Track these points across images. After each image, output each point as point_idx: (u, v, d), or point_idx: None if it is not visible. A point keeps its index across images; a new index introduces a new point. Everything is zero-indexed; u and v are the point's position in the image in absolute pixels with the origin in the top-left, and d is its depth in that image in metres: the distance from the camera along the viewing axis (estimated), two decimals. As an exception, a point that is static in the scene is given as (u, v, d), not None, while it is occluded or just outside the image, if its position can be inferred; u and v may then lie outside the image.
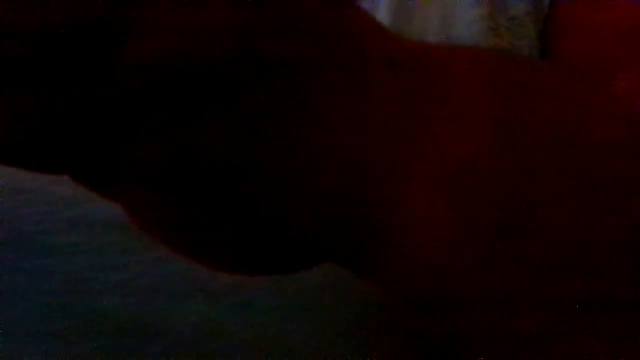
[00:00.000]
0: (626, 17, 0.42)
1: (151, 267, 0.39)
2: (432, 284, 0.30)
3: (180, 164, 0.26)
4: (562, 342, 0.32)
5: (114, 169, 0.26)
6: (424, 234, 0.29)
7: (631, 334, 0.32)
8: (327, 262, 0.31)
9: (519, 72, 0.33)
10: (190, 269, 0.39)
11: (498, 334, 0.32)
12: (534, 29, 0.43)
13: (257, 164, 0.27)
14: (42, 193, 0.41)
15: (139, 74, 0.25)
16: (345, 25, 0.28)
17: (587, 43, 0.42)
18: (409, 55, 0.29)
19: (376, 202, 0.29)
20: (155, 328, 0.38)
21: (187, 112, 0.26)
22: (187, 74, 0.25)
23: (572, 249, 0.31)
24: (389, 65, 0.29)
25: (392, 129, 0.28)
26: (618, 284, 0.32)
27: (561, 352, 0.32)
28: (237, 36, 0.25)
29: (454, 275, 0.30)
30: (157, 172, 0.26)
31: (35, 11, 0.24)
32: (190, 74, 0.25)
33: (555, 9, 0.43)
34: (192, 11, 0.25)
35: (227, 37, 0.25)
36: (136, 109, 0.25)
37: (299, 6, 0.27)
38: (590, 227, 0.31)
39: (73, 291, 0.39)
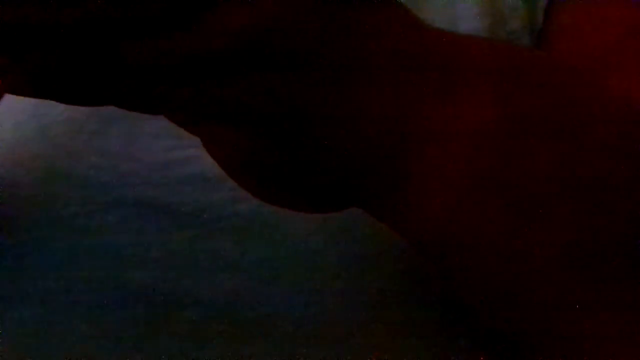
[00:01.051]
0: (622, 19, 0.43)
1: (185, 245, 0.42)
2: (442, 229, 0.34)
3: (253, 105, 0.32)
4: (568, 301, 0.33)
5: (201, 110, 0.32)
6: (440, 185, 0.33)
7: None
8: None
9: (527, 58, 0.35)
10: (221, 246, 0.41)
11: (497, 279, 0.34)
12: (530, 41, 0.45)
13: (314, 111, 0.32)
14: (81, 178, 0.43)
15: (226, 36, 0.30)
16: (387, 17, 0.33)
17: (582, 46, 0.44)
18: (437, 41, 0.34)
19: (403, 155, 0.33)
20: (188, 300, 0.40)
21: (264, 66, 0.31)
22: (263, 40, 0.31)
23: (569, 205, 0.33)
24: (421, 49, 0.34)
25: (420, 98, 0.33)
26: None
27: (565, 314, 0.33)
28: (307, 16, 0.31)
29: (462, 224, 0.34)
30: (235, 112, 0.32)
31: None
32: (267, 40, 0.31)
33: (551, 16, 0.45)
34: None
35: (299, 17, 0.31)
36: (222, 61, 0.31)
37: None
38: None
39: (111, 267, 0.41)
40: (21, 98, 0.46)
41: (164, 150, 0.44)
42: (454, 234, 0.34)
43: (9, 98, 0.43)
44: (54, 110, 0.45)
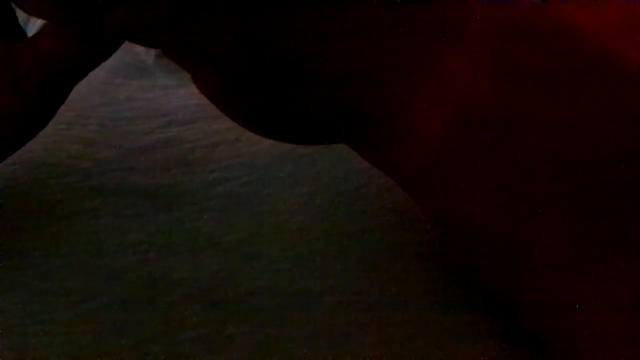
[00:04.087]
0: (621, 16, 0.42)
1: (166, 227, 0.41)
2: (430, 170, 0.34)
3: (238, 48, 0.33)
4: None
5: (185, 52, 0.34)
6: (431, 126, 0.34)
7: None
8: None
9: (531, 17, 0.36)
10: (202, 227, 0.41)
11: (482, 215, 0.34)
12: None
13: (305, 58, 0.34)
14: (61, 166, 0.43)
15: None
16: None
17: None
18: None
19: (396, 94, 0.34)
20: (169, 281, 0.40)
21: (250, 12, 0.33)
22: None
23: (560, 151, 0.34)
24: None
25: (418, 41, 0.34)
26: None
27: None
28: None
29: (451, 166, 0.34)
30: (221, 55, 0.34)
31: None
32: None
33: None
34: None
35: None
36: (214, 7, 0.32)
37: None
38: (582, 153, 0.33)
39: (91, 251, 0.41)
40: None
41: (143, 134, 0.44)
42: (443, 175, 0.34)
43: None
44: None
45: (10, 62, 0.38)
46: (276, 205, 0.42)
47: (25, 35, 0.40)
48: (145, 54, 0.51)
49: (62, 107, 0.45)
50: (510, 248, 0.34)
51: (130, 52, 0.51)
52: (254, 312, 0.38)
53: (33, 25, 0.52)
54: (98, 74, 0.50)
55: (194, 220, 0.41)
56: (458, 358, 0.37)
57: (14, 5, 0.38)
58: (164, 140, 0.44)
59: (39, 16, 0.35)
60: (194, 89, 0.38)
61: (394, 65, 0.34)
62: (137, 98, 0.47)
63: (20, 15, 0.44)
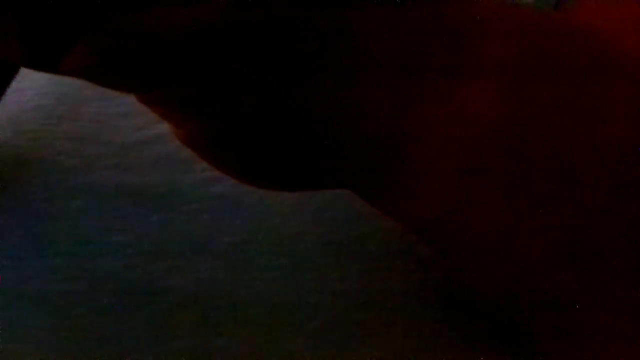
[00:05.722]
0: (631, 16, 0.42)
1: (154, 230, 0.40)
2: (440, 215, 0.33)
3: (228, 94, 0.32)
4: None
5: (169, 95, 0.32)
6: (437, 172, 0.33)
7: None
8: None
9: (549, 43, 0.35)
10: (192, 230, 0.40)
11: (496, 265, 0.33)
12: None
13: (296, 108, 0.32)
14: (48, 164, 0.42)
15: (167, 33, 0.30)
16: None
17: None
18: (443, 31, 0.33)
19: (398, 142, 0.33)
20: (157, 287, 0.39)
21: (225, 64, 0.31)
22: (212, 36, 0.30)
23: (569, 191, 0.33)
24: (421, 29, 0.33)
25: (423, 91, 0.32)
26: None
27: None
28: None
29: (459, 212, 0.33)
30: (207, 101, 0.32)
31: None
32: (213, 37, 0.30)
33: (561, 9, 0.44)
34: None
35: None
36: (171, 57, 0.30)
37: None
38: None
39: (77, 253, 0.40)
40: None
41: (134, 130, 0.44)
42: (451, 222, 0.33)
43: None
44: (23, 98, 0.44)
45: None
46: (271, 207, 0.41)
47: None
48: None
49: (52, 101, 0.44)
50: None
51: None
52: (246, 322, 0.38)
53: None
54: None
55: (185, 222, 0.40)
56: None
57: None
58: (155, 137, 0.43)
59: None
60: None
61: (402, 101, 0.32)
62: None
63: None
